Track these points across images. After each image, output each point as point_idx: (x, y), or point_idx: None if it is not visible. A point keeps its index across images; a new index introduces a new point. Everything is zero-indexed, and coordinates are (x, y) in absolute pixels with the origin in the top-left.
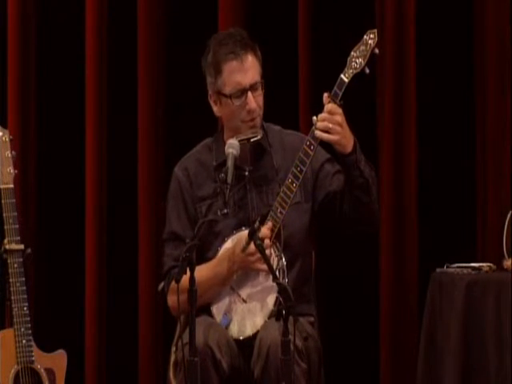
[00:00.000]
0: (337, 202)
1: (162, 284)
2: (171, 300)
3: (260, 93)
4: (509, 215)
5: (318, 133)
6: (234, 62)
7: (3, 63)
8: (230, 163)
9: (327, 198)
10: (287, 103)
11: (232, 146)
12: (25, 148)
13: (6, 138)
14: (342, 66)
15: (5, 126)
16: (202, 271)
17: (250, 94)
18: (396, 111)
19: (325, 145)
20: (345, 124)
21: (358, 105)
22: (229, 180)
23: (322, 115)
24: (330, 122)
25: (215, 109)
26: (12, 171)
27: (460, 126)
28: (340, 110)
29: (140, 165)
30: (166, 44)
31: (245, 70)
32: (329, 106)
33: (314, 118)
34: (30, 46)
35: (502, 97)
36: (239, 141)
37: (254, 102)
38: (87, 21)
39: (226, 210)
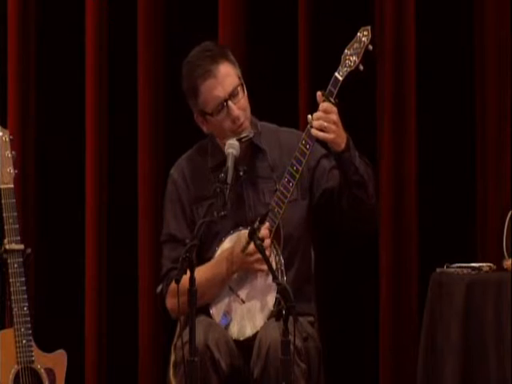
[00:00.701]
0: (334, 198)
1: (160, 286)
2: (170, 302)
3: (242, 96)
4: (509, 215)
5: (313, 131)
6: (208, 80)
7: (3, 63)
8: (230, 163)
9: (325, 194)
10: (287, 103)
11: (232, 146)
12: (25, 148)
13: (6, 138)
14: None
15: (5, 126)
16: (201, 272)
17: (230, 103)
18: (396, 111)
19: (320, 141)
20: (339, 123)
21: (358, 104)
22: (229, 180)
23: (318, 114)
24: (326, 120)
25: (204, 128)
26: (12, 171)
27: (460, 125)
28: (335, 109)
29: (140, 165)
30: (166, 44)
31: (220, 83)
32: (324, 104)
33: (309, 116)
34: (30, 46)
35: (502, 97)
36: None
37: (237, 108)
38: (87, 21)
39: (223, 212)
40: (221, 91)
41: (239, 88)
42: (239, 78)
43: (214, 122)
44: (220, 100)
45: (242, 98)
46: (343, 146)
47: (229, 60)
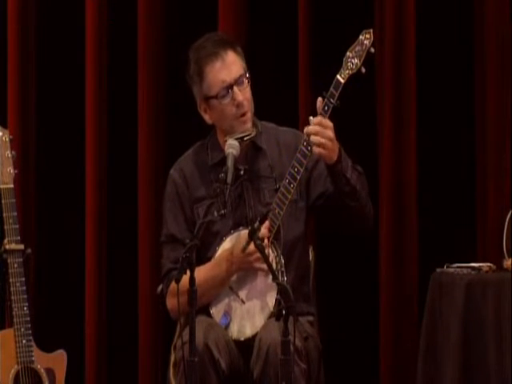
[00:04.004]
0: (330, 201)
1: (160, 287)
2: (170, 303)
3: (246, 86)
4: (509, 215)
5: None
6: (215, 62)
7: (3, 63)
8: (230, 163)
9: (322, 196)
10: (287, 103)
11: (232, 146)
12: (25, 148)
13: (6, 138)
14: (341, 66)
15: (5, 126)
16: (201, 272)
17: (235, 88)
18: (396, 111)
19: None
20: (334, 138)
21: (358, 105)
22: (229, 180)
23: (315, 128)
24: (322, 136)
25: (206, 117)
26: (12, 171)
27: (460, 125)
28: (331, 124)
29: (140, 165)
30: (166, 44)
31: (227, 67)
32: (318, 118)
33: (311, 117)
34: (30, 46)
35: (502, 96)
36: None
37: (241, 95)
38: (87, 21)
39: (223, 211)
40: (227, 75)
41: (245, 78)
42: (245, 70)
43: (217, 107)
44: (225, 84)
45: (247, 88)
46: (335, 158)
47: (237, 51)
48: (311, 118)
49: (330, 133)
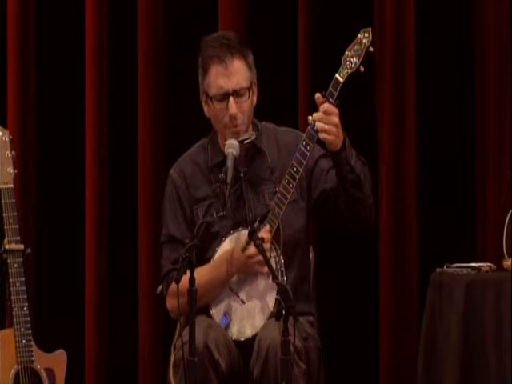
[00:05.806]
0: (332, 198)
1: (160, 287)
2: (170, 303)
3: (246, 99)
4: (509, 215)
5: (319, 134)
6: (218, 65)
7: (3, 63)
8: (229, 163)
9: (322, 195)
10: (287, 103)
11: (232, 146)
12: (25, 148)
13: (6, 138)
14: (340, 65)
15: (5, 126)
16: (200, 274)
17: (231, 99)
18: (396, 111)
19: (319, 141)
20: (339, 124)
21: (358, 105)
22: (228, 180)
23: (319, 115)
24: (327, 122)
25: (205, 109)
26: (12, 171)
27: (460, 125)
28: (336, 111)
29: (140, 165)
30: (166, 44)
31: (229, 75)
32: (325, 105)
33: (310, 117)
34: (30, 46)
35: (501, 96)
36: None
37: (236, 107)
38: (87, 21)
39: (222, 213)
40: (226, 83)
41: (246, 91)
42: (251, 82)
43: (212, 108)
44: (223, 91)
45: (246, 102)
46: (340, 146)
47: (246, 61)
48: (309, 117)
49: (335, 119)
